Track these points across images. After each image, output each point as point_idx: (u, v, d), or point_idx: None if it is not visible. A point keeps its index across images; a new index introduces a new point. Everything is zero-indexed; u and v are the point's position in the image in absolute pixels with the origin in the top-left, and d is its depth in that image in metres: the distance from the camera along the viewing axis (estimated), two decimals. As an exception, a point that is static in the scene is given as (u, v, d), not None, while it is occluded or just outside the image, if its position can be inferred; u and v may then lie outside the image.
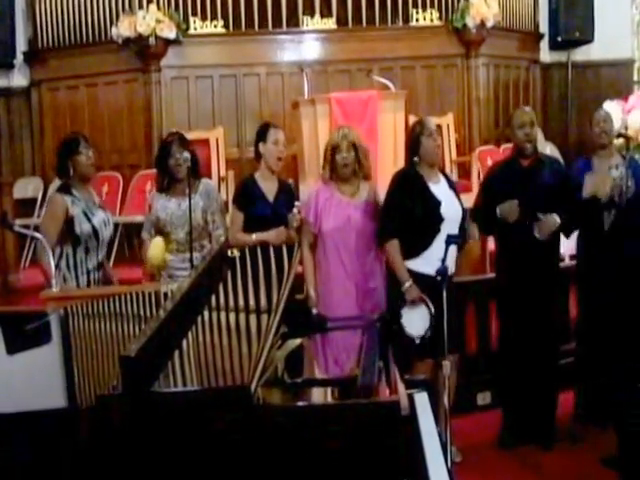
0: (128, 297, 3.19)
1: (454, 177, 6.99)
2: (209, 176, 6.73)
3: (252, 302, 2.83)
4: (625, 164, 4.54)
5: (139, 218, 6.02)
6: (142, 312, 3.12)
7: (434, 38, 8.19)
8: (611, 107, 6.12)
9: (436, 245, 4.11)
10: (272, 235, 4.45)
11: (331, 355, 3.02)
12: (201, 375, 2.22)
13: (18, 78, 8.32)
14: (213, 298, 2.79)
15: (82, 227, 4.29)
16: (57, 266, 4.17)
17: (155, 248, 4.39)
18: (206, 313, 2.63)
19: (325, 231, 4.41)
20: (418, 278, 4.16)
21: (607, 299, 4.36)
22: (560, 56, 9.14)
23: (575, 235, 4.65)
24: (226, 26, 7.88)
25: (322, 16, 7.99)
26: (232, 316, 2.70)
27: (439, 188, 4.32)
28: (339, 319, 3.52)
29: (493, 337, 5.04)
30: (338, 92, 6.67)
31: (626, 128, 6.31)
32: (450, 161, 7.76)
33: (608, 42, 8.91)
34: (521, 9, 8.85)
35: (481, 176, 7.00)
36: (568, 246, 4.91)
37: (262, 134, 4.65)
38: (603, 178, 4.39)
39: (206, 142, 7.38)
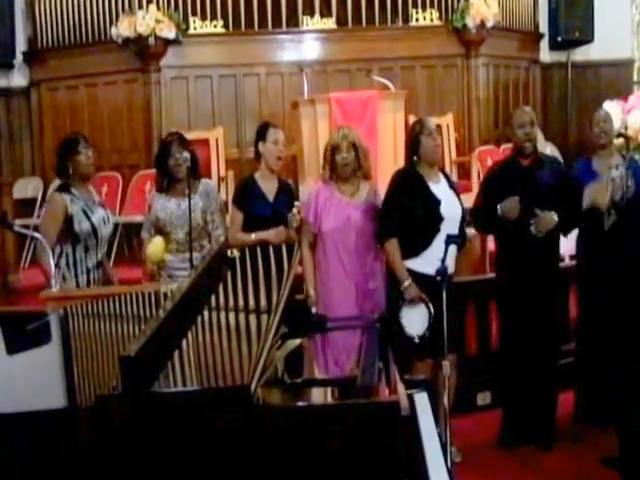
0: (128, 297, 3.19)
1: (454, 177, 6.99)
2: (209, 176, 6.73)
3: (252, 302, 2.83)
4: (625, 164, 4.54)
5: (139, 218, 6.02)
6: (142, 312, 3.12)
7: (434, 38, 8.20)
8: (611, 107, 6.12)
9: (436, 245, 4.11)
10: (271, 234, 4.45)
11: (331, 355, 3.01)
12: (201, 375, 2.21)
13: (18, 78, 8.32)
14: (213, 298, 2.79)
15: (81, 225, 4.29)
16: (57, 265, 4.17)
17: (154, 246, 4.39)
18: (206, 313, 2.63)
19: (325, 231, 4.41)
20: (418, 278, 4.16)
21: (607, 299, 4.35)
22: (560, 56, 9.15)
23: (575, 235, 4.64)
24: (226, 26, 7.88)
25: (322, 16, 7.99)
26: (232, 316, 2.69)
27: (439, 187, 4.32)
28: (339, 319, 3.52)
29: (493, 337, 5.04)
30: (338, 92, 6.67)
31: (626, 128, 6.30)
32: (450, 161, 7.75)
33: (608, 42, 8.91)
34: (521, 9, 8.85)
35: (481, 176, 7.00)
36: (568, 246, 4.90)
37: (262, 134, 4.65)
38: (602, 188, 4.38)
39: (206, 142, 7.38)
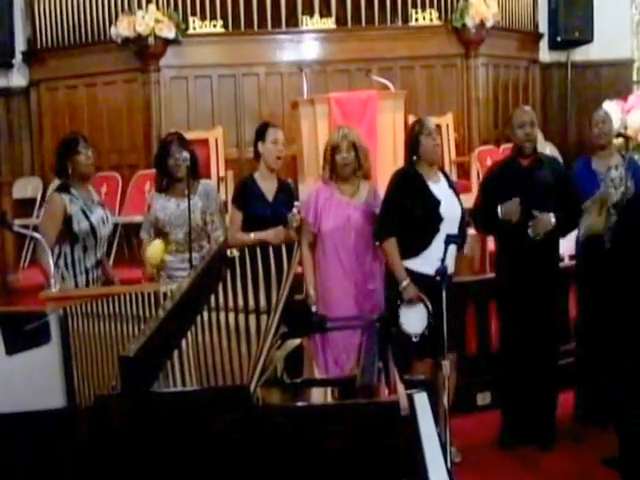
0: (127, 297, 3.19)
1: (453, 177, 6.99)
2: (208, 176, 6.74)
3: (251, 302, 2.83)
4: (625, 165, 4.54)
5: (138, 218, 6.01)
6: (141, 312, 3.12)
7: (433, 38, 8.19)
8: (610, 107, 6.11)
9: (435, 245, 4.10)
10: (271, 235, 4.44)
11: (331, 355, 3.01)
12: (200, 375, 2.21)
13: (17, 78, 8.31)
14: (212, 298, 2.79)
15: (80, 225, 4.29)
16: (55, 265, 4.16)
17: (154, 249, 4.38)
18: (205, 313, 2.63)
19: (324, 231, 4.41)
20: (417, 278, 4.16)
21: (607, 300, 4.35)
22: (559, 56, 9.14)
23: (574, 235, 4.64)
24: (225, 26, 7.88)
25: (321, 16, 7.99)
26: (231, 316, 2.69)
27: (438, 187, 4.31)
28: (338, 319, 3.51)
29: (493, 337, 5.03)
30: (337, 92, 6.67)
31: (625, 128, 6.30)
32: (449, 161, 7.75)
33: (608, 42, 8.90)
34: (520, 9, 8.85)
35: (480, 176, 6.99)
36: (568, 246, 4.90)
37: (261, 133, 4.64)
38: (598, 220, 4.41)
39: (205, 142, 7.37)
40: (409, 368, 3.96)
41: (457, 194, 4.42)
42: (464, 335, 4.73)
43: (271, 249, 3.62)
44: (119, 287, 4.43)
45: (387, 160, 6.01)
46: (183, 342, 2.33)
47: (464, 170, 7.83)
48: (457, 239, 4.03)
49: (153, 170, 4.97)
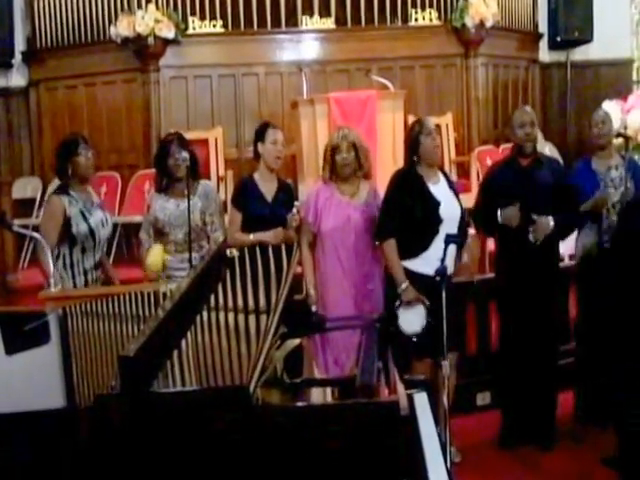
0: (127, 297, 3.19)
1: (453, 177, 6.98)
2: (208, 176, 6.74)
3: (251, 302, 2.83)
4: (624, 165, 4.54)
5: (138, 218, 6.01)
6: (141, 312, 3.12)
7: (433, 38, 8.19)
8: (610, 107, 6.12)
9: (434, 246, 4.09)
10: (270, 236, 4.43)
11: (330, 355, 3.01)
12: (200, 375, 2.21)
13: (17, 78, 8.30)
14: (212, 298, 2.79)
15: (79, 227, 4.28)
16: (54, 266, 4.15)
17: (154, 256, 4.38)
18: (205, 313, 2.63)
19: (324, 231, 4.41)
20: (417, 278, 4.15)
21: (607, 300, 4.35)
22: (559, 56, 9.14)
23: (574, 235, 4.64)
24: (225, 26, 7.87)
25: (321, 16, 7.98)
26: (231, 316, 2.69)
27: (438, 188, 4.30)
28: (338, 319, 3.51)
29: (493, 337, 5.03)
30: (337, 92, 6.68)
31: (625, 128, 6.30)
32: (449, 161, 7.74)
33: (607, 42, 8.90)
34: (520, 9, 8.84)
35: (480, 176, 7.00)
36: (568, 246, 4.90)
37: (260, 134, 4.64)
38: (592, 245, 4.46)
39: (205, 142, 7.37)
40: (409, 368, 3.96)
41: (457, 194, 4.41)
42: (464, 335, 4.73)
43: (270, 249, 3.62)
44: (118, 287, 4.43)
45: (387, 160, 6.01)
46: (183, 342, 2.33)
47: (464, 170, 7.82)
48: (457, 239, 4.02)
49: (153, 170, 4.97)
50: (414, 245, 4.19)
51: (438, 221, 4.18)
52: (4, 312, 4.08)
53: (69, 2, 8.01)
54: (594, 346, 4.42)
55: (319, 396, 2.44)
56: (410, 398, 2.46)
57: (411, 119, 5.75)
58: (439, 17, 8.16)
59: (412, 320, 4.07)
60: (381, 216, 4.30)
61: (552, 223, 4.29)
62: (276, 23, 7.94)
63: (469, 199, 4.87)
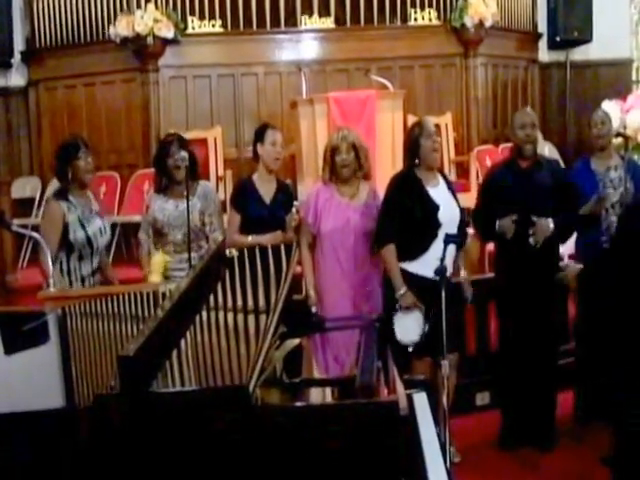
0: (126, 297, 3.18)
1: (452, 177, 6.99)
2: (207, 176, 6.74)
3: (250, 302, 2.82)
4: (624, 166, 4.54)
5: (137, 218, 5.99)
6: (140, 312, 3.11)
7: (432, 38, 8.19)
8: (610, 107, 6.12)
9: (433, 249, 4.09)
10: (269, 239, 4.42)
11: (330, 353, 3.01)
12: (199, 375, 2.21)
13: (16, 77, 8.30)
14: (211, 298, 2.78)
15: (76, 235, 4.25)
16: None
17: (156, 265, 4.36)
18: (204, 313, 2.63)
19: (324, 232, 4.40)
20: (416, 280, 4.15)
21: (607, 301, 4.34)
22: (559, 56, 9.14)
23: (574, 235, 4.64)
24: (224, 25, 7.87)
25: (320, 15, 7.98)
26: (230, 316, 2.69)
27: (437, 192, 4.28)
28: (338, 319, 3.51)
29: (492, 337, 5.03)
30: (336, 92, 6.67)
31: (625, 128, 6.30)
32: (448, 161, 7.75)
33: (607, 42, 8.90)
34: (519, 9, 8.85)
35: (479, 176, 7.01)
36: (567, 246, 4.90)
37: (259, 135, 4.64)
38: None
39: (204, 142, 7.37)
40: (408, 368, 3.95)
41: (456, 196, 4.40)
42: (464, 335, 4.73)
43: (270, 249, 3.62)
44: (118, 287, 4.42)
45: (386, 160, 6.01)
46: (182, 342, 2.32)
47: (463, 170, 7.82)
48: (456, 239, 4.02)
49: (152, 170, 4.96)
50: (413, 248, 4.18)
51: (437, 225, 4.17)
52: (3, 312, 4.08)
53: (68, 2, 8.01)
54: (594, 346, 4.42)
55: (319, 396, 2.44)
56: (410, 398, 2.46)
57: (410, 119, 5.76)
58: (438, 17, 8.16)
59: (409, 327, 4.05)
60: (380, 221, 4.28)
61: (552, 225, 4.28)
62: (275, 23, 7.94)
63: (468, 199, 4.87)
